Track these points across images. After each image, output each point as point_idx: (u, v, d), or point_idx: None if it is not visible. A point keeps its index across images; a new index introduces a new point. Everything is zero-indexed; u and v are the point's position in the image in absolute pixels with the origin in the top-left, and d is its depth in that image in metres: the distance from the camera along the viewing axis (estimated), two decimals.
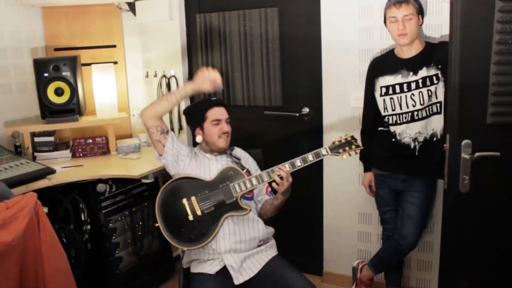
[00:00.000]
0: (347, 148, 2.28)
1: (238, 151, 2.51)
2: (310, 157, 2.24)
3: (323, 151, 2.26)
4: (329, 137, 2.98)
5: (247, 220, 2.32)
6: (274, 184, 2.25)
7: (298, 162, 2.24)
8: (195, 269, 2.29)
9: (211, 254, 2.28)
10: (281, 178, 2.21)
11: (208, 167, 2.37)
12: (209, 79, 2.26)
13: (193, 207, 2.26)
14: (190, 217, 2.26)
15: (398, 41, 2.42)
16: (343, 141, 2.29)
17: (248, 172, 2.38)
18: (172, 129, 3.55)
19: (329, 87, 2.96)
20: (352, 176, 2.98)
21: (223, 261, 2.24)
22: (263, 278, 2.24)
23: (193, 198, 2.27)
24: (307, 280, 2.18)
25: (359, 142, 2.33)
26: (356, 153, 2.29)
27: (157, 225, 2.34)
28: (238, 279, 2.21)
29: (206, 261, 2.28)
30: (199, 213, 2.26)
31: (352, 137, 2.31)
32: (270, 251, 2.35)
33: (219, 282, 2.19)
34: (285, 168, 2.22)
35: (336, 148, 2.28)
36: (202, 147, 2.45)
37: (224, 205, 2.26)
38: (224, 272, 2.23)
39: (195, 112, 2.44)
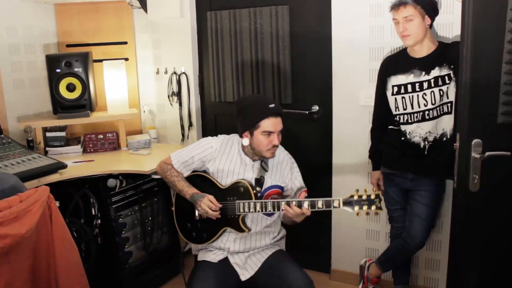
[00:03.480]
0: (365, 208, 2.01)
1: (277, 155, 2.31)
2: (320, 204, 2.06)
3: (335, 202, 2.04)
4: (338, 135, 3.00)
5: (260, 232, 2.32)
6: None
7: (306, 204, 2.07)
8: (201, 257, 2.34)
9: (217, 248, 2.32)
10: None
11: (243, 172, 2.29)
12: (209, 214, 2.21)
13: None
14: (196, 217, 2.31)
15: (403, 42, 2.43)
16: (364, 197, 2.03)
17: (278, 187, 2.31)
18: (182, 126, 3.57)
19: (339, 85, 2.97)
20: (361, 174, 2.98)
21: (228, 256, 2.29)
22: (264, 271, 2.26)
23: None
24: (304, 273, 2.18)
25: (383, 204, 2.04)
26: (376, 214, 2.03)
27: (173, 208, 2.43)
28: (244, 275, 2.25)
29: (212, 250, 2.33)
30: (204, 216, 2.29)
31: (377, 196, 2.02)
32: (274, 247, 2.37)
33: (219, 270, 2.23)
34: (290, 210, 2.09)
35: (353, 204, 2.03)
36: (245, 148, 2.30)
37: (226, 218, 2.25)
38: (226, 262, 2.27)
39: (249, 114, 2.21)
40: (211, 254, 2.31)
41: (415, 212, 2.56)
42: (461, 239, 1.94)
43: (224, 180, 2.30)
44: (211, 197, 2.22)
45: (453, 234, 2.01)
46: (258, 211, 2.18)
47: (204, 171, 2.37)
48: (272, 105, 2.18)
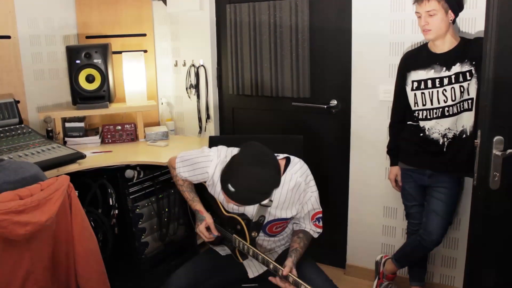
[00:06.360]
0: None
1: (288, 180, 2.08)
2: None
3: None
4: (357, 130, 2.99)
5: (274, 240, 2.26)
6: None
7: (290, 280, 1.89)
8: (210, 245, 2.33)
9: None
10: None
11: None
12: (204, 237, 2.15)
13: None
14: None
15: (424, 36, 2.40)
16: None
17: (283, 219, 2.14)
18: (199, 118, 3.58)
19: (358, 79, 2.95)
20: (379, 170, 2.96)
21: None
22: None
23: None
24: (327, 277, 2.15)
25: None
26: None
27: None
28: (253, 273, 2.23)
29: (221, 245, 2.30)
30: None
31: None
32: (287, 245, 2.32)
33: (224, 261, 2.24)
34: (273, 280, 1.97)
35: None
36: None
37: (227, 243, 2.20)
38: (232, 258, 2.24)
39: None
40: (219, 248, 2.29)
41: (432, 209, 2.54)
42: (480, 237, 1.92)
43: (227, 206, 2.17)
44: (210, 222, 2.15)
45: (472, 231, 1.99)
46: (250, 257, 2.08)
47: None
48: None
